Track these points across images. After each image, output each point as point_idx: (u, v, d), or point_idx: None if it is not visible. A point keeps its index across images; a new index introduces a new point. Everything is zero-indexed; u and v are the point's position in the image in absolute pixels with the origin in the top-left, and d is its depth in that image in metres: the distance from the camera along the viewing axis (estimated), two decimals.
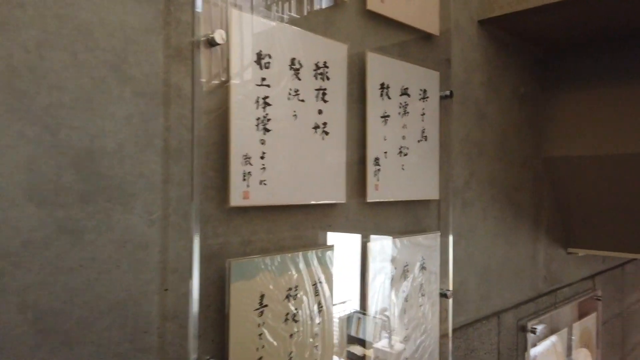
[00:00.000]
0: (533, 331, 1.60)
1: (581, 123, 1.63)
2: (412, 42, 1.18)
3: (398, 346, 1.11)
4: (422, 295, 1.16)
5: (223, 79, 0.77)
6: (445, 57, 1.28)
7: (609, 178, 1.65)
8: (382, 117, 1.07)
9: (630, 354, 2.55)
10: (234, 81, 0.77)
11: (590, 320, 2.02)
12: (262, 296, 0.80)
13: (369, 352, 1.05)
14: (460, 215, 1.34)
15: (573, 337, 1.86)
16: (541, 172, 1.72)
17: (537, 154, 1.70)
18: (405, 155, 1.13)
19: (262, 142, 0.82)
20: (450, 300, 1.22)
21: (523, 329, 1.59)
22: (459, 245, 1.33)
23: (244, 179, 0.79)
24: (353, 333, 1.03)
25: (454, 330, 1.29)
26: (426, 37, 1.22)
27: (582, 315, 1.97)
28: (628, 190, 1.64)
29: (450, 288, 1.23)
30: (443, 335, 1.22)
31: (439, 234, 1.22)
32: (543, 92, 1.71)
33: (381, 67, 1.06)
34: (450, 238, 1.25)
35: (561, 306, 1.83)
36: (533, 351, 1.63)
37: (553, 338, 1.87)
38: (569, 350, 1.87)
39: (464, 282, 1.35)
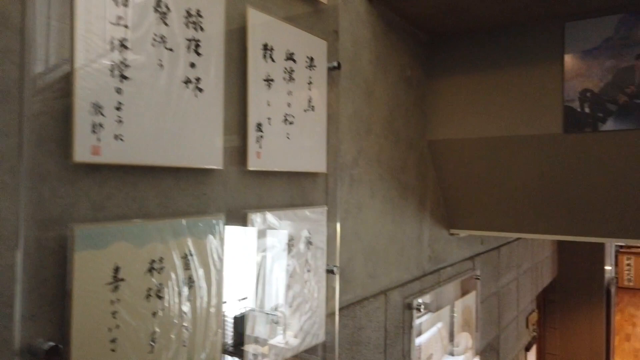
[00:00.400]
0: (418, 308, 1.63)
1: (462, 107, 1.70)
2: (299, 6, 1.12)
3: (292, 341, 1.05)
4: (308, 271, 1.11)
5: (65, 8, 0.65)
6: (333, 28, 1.25)
7: (486, 161, 1.73)
8: (265, 80, 1.00)
9: (504, 331, 2.75)
10: (79, 13, 0.65)
11: (471, 299, 2.13)
12: (117, 269, 0.69)
13: (265, 350, 0.97)
14: (349, 191, 1.31)
15: (455, 315, 1.94)
16: (426, 155, 1.77)
17: (423, 136, 1.75)
18: (291, 124, 1.07)
19: (119, 90, 0.70)
20: (337, 277, 1.18)
21: (409, 307, 1.62)
22: (346, 221, 1.30)
23: (94, 131, 0.67)
24: (248, 332, 0.95)
25: (341, 309, 1.26)
26: (314, 3, 1.17)
27: (463, 293, 2.07)
28: (504, 173, 1.74)
29: (337, 264, 1.20)
30: (330, 314, 1.19)
31: (326, 208, 1.18)
32: (428, 77, 1.76)
33: (265, 27, 0.99)
34: (338, 214, 1.21)
35: (444, 285, 1.90)
36: (418, 340, 1.66)
37: (439, 324, 1.94)
38: (451, 335, 1.95)
39: (352, 259, 1.32)
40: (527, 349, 3.19)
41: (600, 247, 4.26)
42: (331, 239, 1.19)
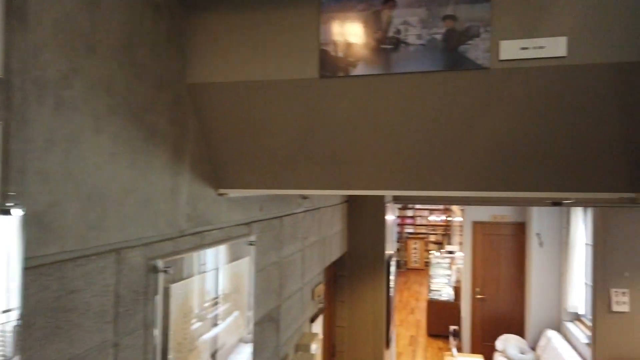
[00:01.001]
0: (166, 271, 1.42)
1: (226, 48, 1.54)
2: None
3: None
4: None
5: None
6: None
7: (253, 109, 1.61)
8: None
9: (286, 301, 2.72)
10: None
11: (243, 265, 2.00)
12: None
13: None
14: (53, 116, 1.03)
15: (220, 279, 1.79)
16: (186, 100, 1.57)
17: (181, 78, 1.54)
18: None
19: None
20: (18, 221, 0.90)
21: (154, 270, 1.39)
22: (50, 153, 1.02)
23: None
24: None
25: (38, 266, 0.98)
26: None
27: (235, 259, 1.93)
28: (270, 123, 1.63)
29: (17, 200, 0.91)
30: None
31: None
32: (186, 9, 1.56)
33: None
34: (16, 131, 0.93)
35: (209, 248, 1.73)
36: (175, 290, 1.46)
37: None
38: (215, 301, 1.79)
39: (58, 203, 1.05)
40: (312, 320, 3.25)
41: (381, 228, 4.62)
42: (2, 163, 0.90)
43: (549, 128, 1.45)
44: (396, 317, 11.58)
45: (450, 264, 12.26)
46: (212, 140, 1.69)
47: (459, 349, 8.64)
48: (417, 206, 21.79)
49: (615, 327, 4.92)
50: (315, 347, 3.03)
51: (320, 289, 3.43)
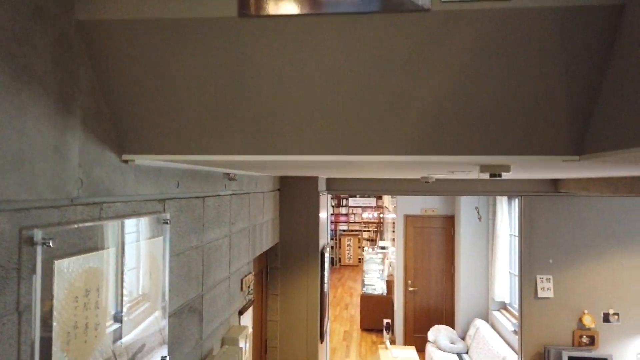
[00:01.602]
0: (47, 244, 1.15)
1: None
2: None
3: None
4: None
5: None
6: None
7: (165, 55, 1.37)
8: None
9: (211, 291, 2.47)
10: None
11: (155, 245, 1.75)
12: None
13: None
14: None
15: (126, 259, 1.53)
16: (75, 39, 1.30)
17: (68, 11, 1.27)
18: None
19: None
20: None
21: (31, 242, 1.12)
22: None
23: None
24: None
25: None
26: None
27: (145, 238, 1.67)
28: (190, 73, 1.40)
29: None
30: None
31: None
32: None
33: None
34: None
35: (110, 222, 1.46)
36: (59, 268, 1.19)
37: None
38: (120, 282, 1.52)
39: None
40: (242, 312, 3.02)
41: (315, 218, 4.46)
42: None
43: (491, 81, 1.34)
44: (330, 313, 11.52)
45: (383, 259, 12.40)
46: (112, 93, 1.42)
47: (392, 342, 8.70)
48: (351, 203, 22.03)
49: (540, 312, 5.07)
50: (244, 341, 2.80)
51: (250, 279, 3.20)
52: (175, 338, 1.99)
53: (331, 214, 21.73)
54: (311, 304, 4.41)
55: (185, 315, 2.12)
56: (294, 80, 1.37)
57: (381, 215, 19.58)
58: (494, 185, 5.12)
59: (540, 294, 5.06)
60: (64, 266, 1.22)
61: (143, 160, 1.60)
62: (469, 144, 1.45)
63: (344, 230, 20.17)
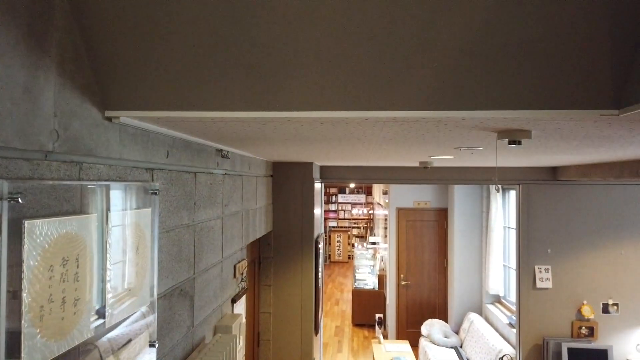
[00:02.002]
0: (15, 199, 0.97)
1: None
2: None
3: None
4: None
5: None
6: None
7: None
8: None
9: (203, 274, 2.30)
10: None
11: (143, 217, 1.57)
12: None
13: None
14: None
15: (111, 228, 1.35)
16: None
17: None
18: None
19: None
20: None
21: None
22: None
23: None
24: None
25: None
26: None
27: (132, 207, 1.49)
28: (178, 10, 1.22)
29: None
30: None
31: None
32: None
33: None
34: None
35: (91, 183, 1.28)
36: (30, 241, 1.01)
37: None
38: (105, 252, 1.34)
39: None
40: (235, 300, 2.84)
41: (309, 206, 4.30)
42: None
43: (524, 16, 1.18)
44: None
45: (374, 254, 12.28)
46: (91, 34, 1.24)
47: (385, 337, 8.57)
48: (341, 200, 21.92)
49: (539, 303, 4.97)
50: (238, 329, 2.63)
51: (243, 266, 3.03)
52: (164, 323, 1.81)
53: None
54: (306, 296, 4.25)
55: (176, 299, 1.95)
56: (301, 19, 1.20)
57: (371, 212, 19.49)
58: (491, 173, 5.00)
59: (539, 284, 4.95)
60: (35, 227, 1.04)
61: (129, 118, 1.42)
62: (491, 95, 1.29)
63: (333, 227, 20.03)
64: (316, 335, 4.43)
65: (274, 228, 4.27)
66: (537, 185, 5.00)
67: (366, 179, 5.15)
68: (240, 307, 2.99)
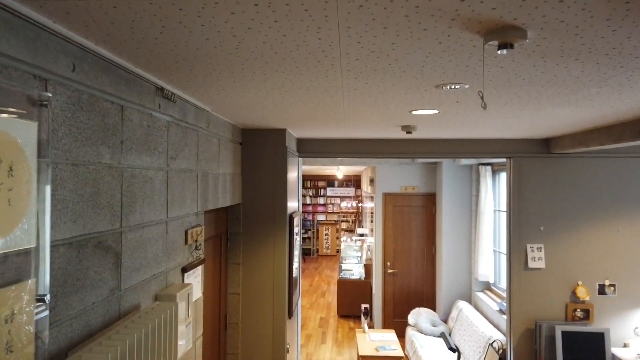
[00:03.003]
0: None
1: None
2: None
3: None
4: None
5: None
6: None
7: None
8: None
9: (135, 231, 1.92)
10: None
11: (20, 128, 1.19)
12: None
13: None
14: None
15: None
16: None
17: None
18: None
19: None
20: None
21: None
22: None
23: None
24: None
25: None
26: None
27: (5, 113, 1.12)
28: None
29: None
30: None
31: None
32: None
33: None
34: None
35: None
36: None
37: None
38: None
39: None
40: (186, 270, 2.47)
41: (283, 180, 3.94)
42: None
43: None
44: (306, 301, 11.02)
45: (361, 246, 11.94)
46: None
47: (371, 327, 8.24)
48: (329, 193, 21.64)
49: (531, 285, 4.64)
50: (185, 300, 2.26)
51: (198, 233, 2.66)
52: (68, 277, 1.44)
53: (309, 204, 21.31)
54: (278, 275, 3.88)
55: (90, 252, 1.57)
56: None
57: (360, 205, 19.21)
58: (480, 146, 4.67)
59: (531, 264, 4.63)
60: None
61: None
62: None
63: (321, 221, 19.69)
64: (290, 319, 4.07)
65: (243, 201, 3.89)
66: (529, 159, 4.68)
67: (347, 153, 4.79)
68: (195, 280, 2.62)
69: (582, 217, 4.62)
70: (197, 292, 2.68)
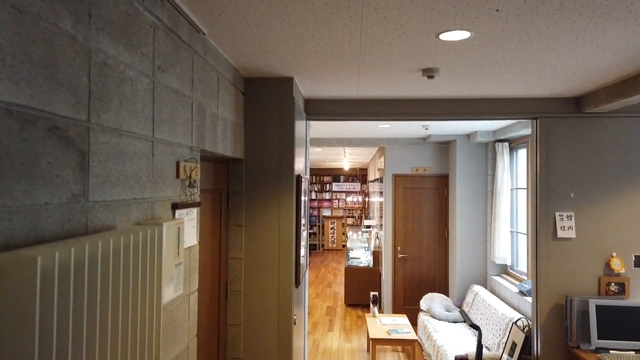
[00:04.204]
0: None
1: None
2: None
3: None
4: None
5: None
6: None
7: None
8: None
9: (107, 132, 1.55)
10: None
11: None
12: None
13: None
14: None
15: None
16: None
17: None
18: None
19: None
20: None
21: None
22: None
23: None
24: None
25: None
26: None
27: None
28: None
29: None
30: None
31: None
32: None
33: None
34: None
35: None
36: None
37: None
38: None
39: None
40: (177, 207, 2.10)
41: (290, 135, 3.57)
42: None
43: None
44: (312, 291, 10.64)
45: (368, 237, 11.55)
46: None
47: (381, 313, 7.85)
48: (335, 188, 21.32)
49: (560, 256, 4.24)
50: (175, 233, 1.89)
51: (192, 168, 2.29)
52: (5, 154, 1.07)
53: (314, 199, 20.97)
54: (284, 239, 3.50)
55: (42, 135, 1.20)
56: None
57: (366, 199, 18.85)
58: (504, 106, 4.28)
59: (560, 234, 4.23)
60: None
61: None
62: None
63: (326, 216, 19.31)
64: (297, 287, 3.69)
65: (246, 157, 3.52)
66: (558, 120, 4.28)
67: (358, 114, 4.41)
68: (189, 223, 2.25)
69: (617, 182, 4.22)
70: (192, 239, 2.31)
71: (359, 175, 20.70)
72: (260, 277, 3.51)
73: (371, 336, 5.68)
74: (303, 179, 3.90)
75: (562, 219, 4.22)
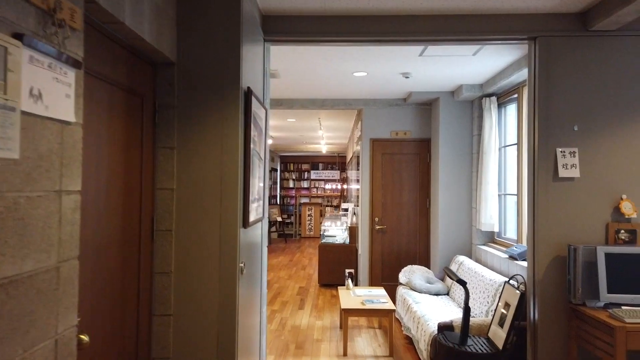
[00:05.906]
0: None
1: None
2: None
3: None
4: None
5: None
6: None
7: None
8: None
9: None
10: None
11: None
12: None
13: None
14: None
15: None
16: None
17: None
18: None
19: None
20: None
21: None
22: None
23: None
24: None
25: None
26: None
27: None
28: None
29: None
30: None
31: None
32: None
33: None
34: None
35: None
36: None
37: None
38: None
39: None
40: (27, 39, 1.35)
41: (235, 35, 2.84)
42: None
43: None
44: (285, 272, 9.92)
45: (345, 220, 10.89)
46: None
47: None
48: (313, 176, 20.70)
49: (562, 199, 3.60)
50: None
51: (64, 4, 1.54)
52: None
53: (292, 188, 20.23)
54: (228, 167, 2.77)
55: None
56: None
57: (345, 187, 18.25)
58: (495, 23, 3.61)
59: (562, 173, 3.59)
60: None
61: None
62: None
63: (304, 203, 18.59)
64: (246, 228, 2.96)
65: (179, 60, 2.78)
66: (560, 39, 3.63)
67: (327, 33, 3.70)
68: (57, 87, 1.50)
69: (627, 113, 3.60)
70: (65, 112, 1.56)
71: (338, 162, 20.10)
72: (197, 214, 2.77)
73: (343, 306, 4.98)
74: (256, 100, 3.17)
75: (564, 155, 3.58)
